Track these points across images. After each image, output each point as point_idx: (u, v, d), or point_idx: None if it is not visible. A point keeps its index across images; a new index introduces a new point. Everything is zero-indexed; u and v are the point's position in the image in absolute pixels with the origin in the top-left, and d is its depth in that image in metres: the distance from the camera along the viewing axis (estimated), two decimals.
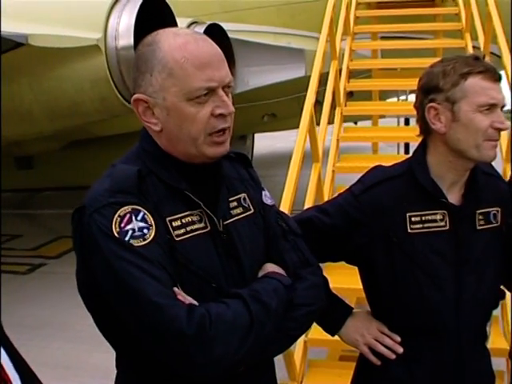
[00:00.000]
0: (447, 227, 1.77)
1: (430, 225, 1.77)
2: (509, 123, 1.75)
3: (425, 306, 1.78)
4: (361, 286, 1.99)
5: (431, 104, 1.75)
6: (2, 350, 1.01)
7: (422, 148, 1.84)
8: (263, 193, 1.68)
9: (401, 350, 1.81)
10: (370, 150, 8.10)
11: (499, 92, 1.71)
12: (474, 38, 6.05)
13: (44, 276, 7.62)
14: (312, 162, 4.04)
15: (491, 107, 1.69)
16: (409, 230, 1.77)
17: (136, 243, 1.33)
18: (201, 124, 1.41)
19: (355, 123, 10.26)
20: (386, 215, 1.79)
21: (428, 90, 1.77)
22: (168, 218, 1.41)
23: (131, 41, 5.90)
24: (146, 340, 1.36)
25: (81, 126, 7.18)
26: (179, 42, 1.41)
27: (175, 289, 1.34)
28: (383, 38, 7.78)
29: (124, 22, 5.94)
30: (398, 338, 1.82)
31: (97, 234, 1.34)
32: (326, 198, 4.25)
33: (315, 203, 3.90)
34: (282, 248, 1.61)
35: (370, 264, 1.85)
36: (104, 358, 4.92)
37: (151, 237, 1.35)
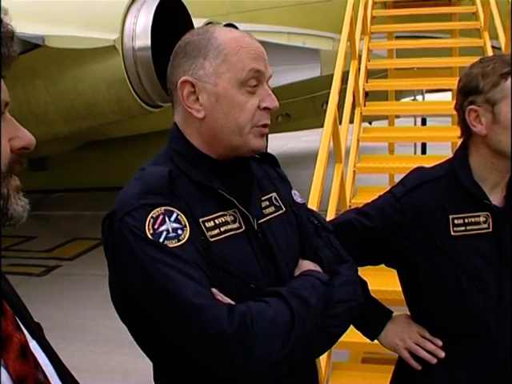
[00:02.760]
0: (490, 229, 1.74)
1: (472, 227, 1.74)
2: None
3: (467, 310, 1.75)
4: (394, 288, 1.96)
5: (471, 106, 1.72)
6: (47, 360, 0.99)
7: (463, 149, 1.81)
8: (292, 192, 1.68)
9: (443, 354, 1.78)
10: (383, 151, 8.07)
11: None
12: (494, 37, 5.99)
13: (59, 278, 7.62)
14: (335, 163, 4.01)
15: None
16: (452, 233, 1.74)
17: (171, 244, 1.31)
18: (249, 114, 1.42)
19: (370, 123, 10.21)
20: (428, 217, 1.76)
21: (467, 92, 1.74)
22: (201, 219, 1.39)
23: (148, 41, 5.88)
24: (186, 344, 1.33)
25: (96, 128, 7.18)
26: (236, 34, 1.45)
27: (213, 289, 1.32)
28: (398, 37, 7.75)
29: (141, 23, 5.93)
30: (440, 342, 1.79)
31: (129, 237, 1.32)
32: (348, 199, 4.22)
33: (338, 204, 3.87)
34: (316, 245, 1.60)
35: (411, 267, 1.81)
36: (123, 360, 5.00)
37: (186, 237, 1.32)
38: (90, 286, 6.83)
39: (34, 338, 0.98)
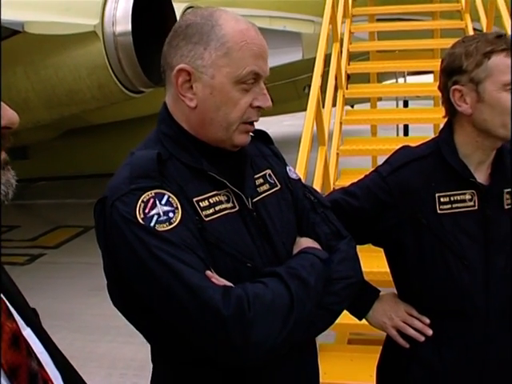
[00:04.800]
0: (476, 207, 1.75)
1: (458, 205, 1.75)
2: None
3: (454, 287, 1.76)
4: (380, 269, 1.97)
5: (455, 86, 1.73)
6: (42, 347, 0.97)
7: (448, 128, 1.82)
8: (287, 168, 1.67)
9: (430, 332, 1.80)
10: (365, 133, 8.09)
11: None
12: (476, 19, 6.01)
13: (44, 266, 7.57)
14: (318, 146, 4.01)
15: None
16: (438, 211, 1.75)
17: (162, 228, 1.30)
18: (240, 111, 1.40)
19: (352, 106, 10.21)
20: (415, 196, 1.76)
21: (451, 72, 1.74)
22: (195, 199, 1.37)
23: (129, 26, 5.82)
24: (182, 328, 1.33)
25: (77, 115, 7.12)
26: (242, 26, 1.41)
27: (208, 272, 1.31)
28: (379, 20, 7.74)
29: (121, 8, 5.86)
30: (427, 320, 1.81)
31: (120, 222, 1.31)
32: (331, 181, 4.23)
33: (322, 187, 3.88)
34: (313, 221, 1.60)
35: (398, 246, 1.82)
36: (110, 347, 5.00)
37: (177, 220, 1.32)
38: (75, 273, 6.83)
39: (28, 325, 0.96)
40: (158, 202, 1.32)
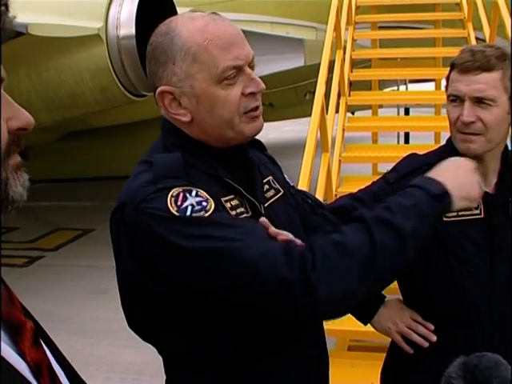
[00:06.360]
0: (481, 215, 1.76)
1: (464, 213, 1.76)
2: (477, 116, 1.69)
3: (458, 294, 1.77)
4: None
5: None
6: (48, 350, 0.96)
7: None
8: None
9: (434, 338, 1.80)
10: (365, 140, 8.10)
11: (466, 84, 1.67)
12: (478, 28, 6.02)
13: (43, 269, 7.54)
14: (321, 152, 4.02)
15: (457, 99, 1.70)
16: (444, 219, 1.75)
17: (201, 216, 1.25)
18: (233, 105, 1.36)
19: (352, 113, 10.22)
20: None
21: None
22: (223, 199, 1.35)
23: (133, 30, 5.84)
24: (248, 304, 1.28)
25: (79, 117, 7.12)
26: (198, 24, 1.35)
27: (262, 219, 1.31)
28: (381, 27, 7.76)
29: (125, 11, 5.88)
30: (432, 326, 1.81)
31: (152, 222, 1.26)
32: (334, 188, 4.24)
33: (325, 193, 3.88)
34: (315, 223, 1.61)
35: None
36: (109, 350, 4.99)
37: (212, 208, 1.27)
38: (74, 276, 6.80)
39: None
40: (188, 195, 1.27)
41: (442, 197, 1.38)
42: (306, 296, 1.22)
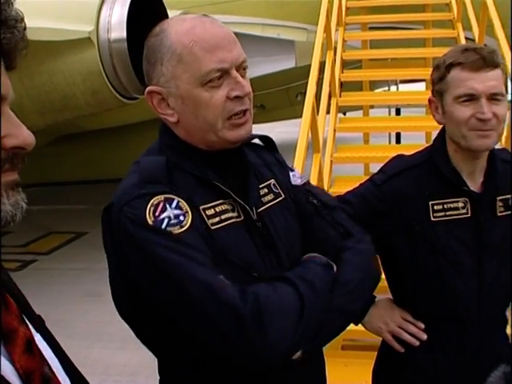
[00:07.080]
0: (469, 214, 1.78)
1: (452, 212, 1.78)
2: (492, 113, 1.69)
3: (447, 293, 1.79)
4: None
5: (429, 96, 1.82)
6: (52, 353, 0.97)
7: (442, 137, 1.85)
8: (291, 174, 1.63)
9: (425, 336, 1.82)
10: (357, 141, 8.12)
11: (481, 82, 1.68)
12: (468, 28, 6.06)
13: (36, 272, 7.50)
14: (313, 153, 4.04)
15: (471, 98, 1.69)
16: (432, 219, 1.78)
17: (174, 231, 1.28)
18: (216, 108, 1.36)
19: (344, 114, 10.24)
20: (408, 204, 1.79)
21: (431, 82, 1.82)
22: (201, 207, 1.36)
23: (124, 33, 5.85)
24: (199, 331, 1.30)
25: (71, 120, 7.10)
26: (186, 26, 1.37)
27: (220, 276, 1.29)
28: (372, 28, 7.80)
29: (116, 14, 5.88)
30: (422, 325, 1.83)
31: (130, 226, 1.29)
32: (325, 188, 4.26)
33: None
34: (318, 226, 1.57)
35: (392, 252, 1.85)
36: (103, 354, 4.99)
37: (188, 223, 1.30)
38: (67, 280, 6.78)
39: (38, 331, 0.96)
40: (168, 206, 1.30)
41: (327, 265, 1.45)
42: (256, 331, 1.25)
